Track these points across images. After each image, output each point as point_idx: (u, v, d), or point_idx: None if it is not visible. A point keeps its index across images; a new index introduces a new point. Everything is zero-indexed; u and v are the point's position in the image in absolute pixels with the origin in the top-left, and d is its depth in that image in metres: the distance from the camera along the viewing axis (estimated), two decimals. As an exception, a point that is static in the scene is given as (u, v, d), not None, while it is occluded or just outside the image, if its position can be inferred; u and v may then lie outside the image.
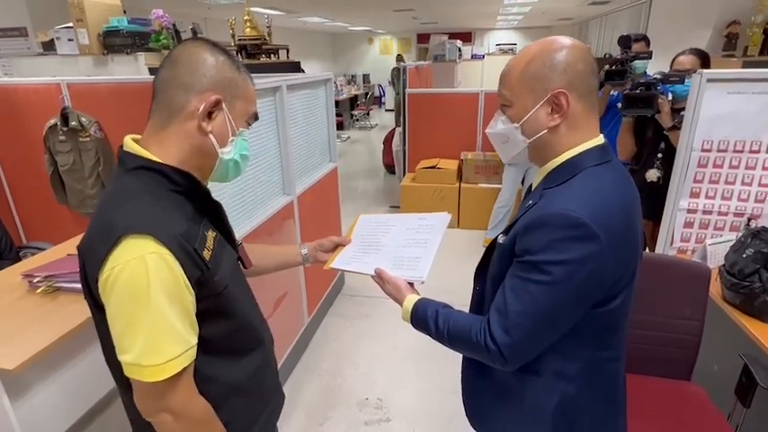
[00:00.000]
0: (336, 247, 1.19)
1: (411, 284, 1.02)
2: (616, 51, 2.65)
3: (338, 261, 1.15)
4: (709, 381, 1.62)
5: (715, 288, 1.60)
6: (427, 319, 0.93)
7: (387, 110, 13.63)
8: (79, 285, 1.67)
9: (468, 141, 4.39)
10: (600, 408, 0.94)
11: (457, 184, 4.19)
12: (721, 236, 1.87)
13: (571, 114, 0.83)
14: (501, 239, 0.90)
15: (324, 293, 2.96)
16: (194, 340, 0.77)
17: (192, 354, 0.77)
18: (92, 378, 1.53)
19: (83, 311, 1.46)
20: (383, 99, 14.10)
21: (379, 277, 1.03)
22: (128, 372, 0.74)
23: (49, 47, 3.17)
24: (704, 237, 1.90)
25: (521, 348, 0.83)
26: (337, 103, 7.19)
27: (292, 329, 2.47)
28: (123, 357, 0.73)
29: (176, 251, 0.73)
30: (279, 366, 2.18)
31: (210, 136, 0.81)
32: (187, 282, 0.74)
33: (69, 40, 2.93)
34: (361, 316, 3.00)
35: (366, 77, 13.59)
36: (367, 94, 11.91)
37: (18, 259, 2.27)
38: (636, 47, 2.75)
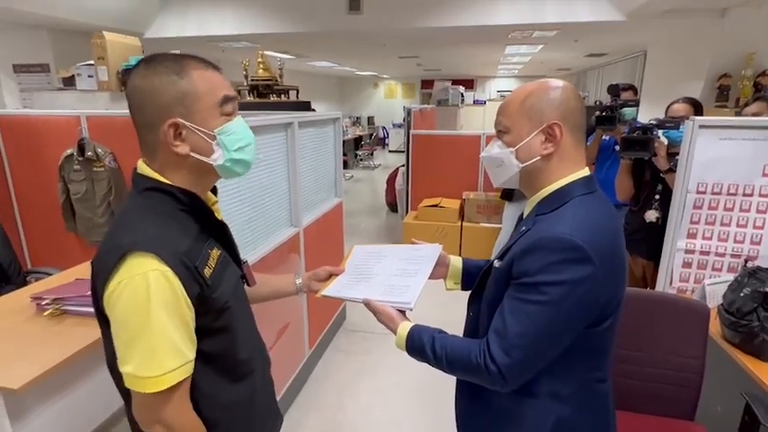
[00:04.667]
0: (330, 276, 1.21)
1: (403, 313, 1.03)
2: (607, 99, 2.79)
3: (330, 289, 1.17)
4: (714, 421, 1.61)
5: (715, 327, 1.62)
6: (423, 345, 0.94)
7: (390, 151, 13.93)
8: (86, 309, 1.70)
9: (470, 182, 4.48)
10: (594, 428, 0.96)
11: (459, 223, 4.25)
12: (719, 276, 1.90)
13: (563, 145, 0.90)
14: (497, 264, 0.94)
15: (325, 327, 2.95)
16: (192, 355, 0.80)
17: (190, 368, 0.79)
18: (93, 402, 1.52)
19: (88, 334, 1.48)
20: (387, 140, 14.43)
21: (369, 307, 1.03)
22: (127, 383, 0.77)
23: (69, 82, 3.28)
24: (703, 277, 1.93)
25: (520, 368, 0.85)
26: (343, 143, 7.40)
27: (293, 362, 2.45)
28: (124, 368, 0.76)
29: (177, 269, 0.76)
30: (278, 399, 2.16)
31: (192, 154, 0.82)
32: (187, 298, 0.78)
33: (89, 76, 3.04)
34: (363, 351, 2.97)
35: (371, 119, 13.98)
36: (371, 135, 12.20)
37: (25, 284, 2.30)
38: (624, 95, 2.90)
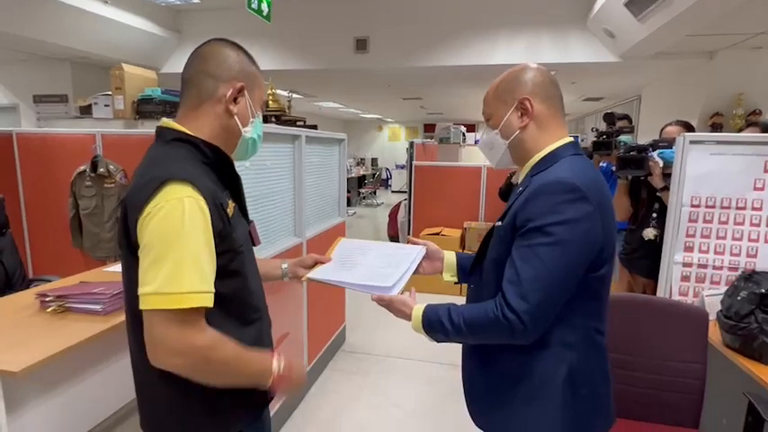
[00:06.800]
0: (316, 263, 1.25)
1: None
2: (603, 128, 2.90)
3: (315, 272, 1.20)
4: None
5: (717, 336, 1.61)
6: (440, 317, 0.98)
7: (393, 191, 14.13)
8: (89, 306, 1.71)
9: (472, 212, 4.55)
10: (596, 379, 0.99)
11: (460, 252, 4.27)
12: (718, 289, 1.90)
13: (537, 115, 1.00)
14: (499, 224, 1.00)
15: (324, 346, 2.92)
16: (213, 289, 0.82)
17: (211, 299, 0.81)
18: (93, 400, 1.50)
19: (90, 329, 1.48)
20: (390, 181, 14.69)
21: (381, 299, 1.06)
22: (146, 303, 0.77)
23: (85, 111, 3.39)
24: (701, 290, 1.94)
25: (539, 312, 0.88)
26: (347, 181, 7.56)
27: (291, 375, 2.41)
28: (145, 289, 0.77)
29: (208, 201, 0.82)
30: (274, 412, 2.12)
31: (235, 117, 0.94)
32: (212, 230, 0.83)
33: (106, 105, 3.14)
34: (362, 372, 2.94)
35: (374, 161, 14.29)
36: (374, 174, 12.45)
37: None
38: (619, 123, 3.01)
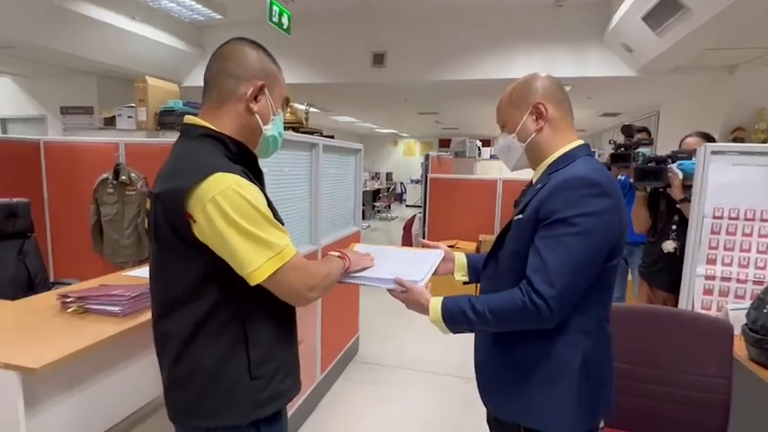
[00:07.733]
0: None
1: None
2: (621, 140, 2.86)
3: None
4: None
5: (742, 351, 1.56)
6: (462, 308, 1.01)
7: (407, 205, 14.15)
8: (109, 308, 1.73)
9: (487, 225, 4.52)
10: (604, 364, 1.05)
11: (475, 265, 4.23)
12: (743, 303, 1.85)
13: (551, 118, 1.06)
14: (517, 217, 1.03)
15: (337, 356, 2.92)
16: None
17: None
18: (109, 401, 1.52)
19: (108, 330, 1.50)
20: (404, 196, 14.73)
21: (401, 284, 1.10)
22: (261, 274, 0.85)
23: (109, 122, 3.48)
24: (725, 305, 1.89)
25: (565, 297, 0.92)
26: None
27: (305, 382, 2.39)
28: (252, 266, 0.84)
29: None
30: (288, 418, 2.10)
31: (256, 115, 0.97)
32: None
33: (129, 117, 3.23)
34: (374, 382, 2.93)
35: (389, 175, 14.35)
36: (389, 188, 12.51)
37: (49, 293, 2.36)
38: (638, 136, 2.97)
